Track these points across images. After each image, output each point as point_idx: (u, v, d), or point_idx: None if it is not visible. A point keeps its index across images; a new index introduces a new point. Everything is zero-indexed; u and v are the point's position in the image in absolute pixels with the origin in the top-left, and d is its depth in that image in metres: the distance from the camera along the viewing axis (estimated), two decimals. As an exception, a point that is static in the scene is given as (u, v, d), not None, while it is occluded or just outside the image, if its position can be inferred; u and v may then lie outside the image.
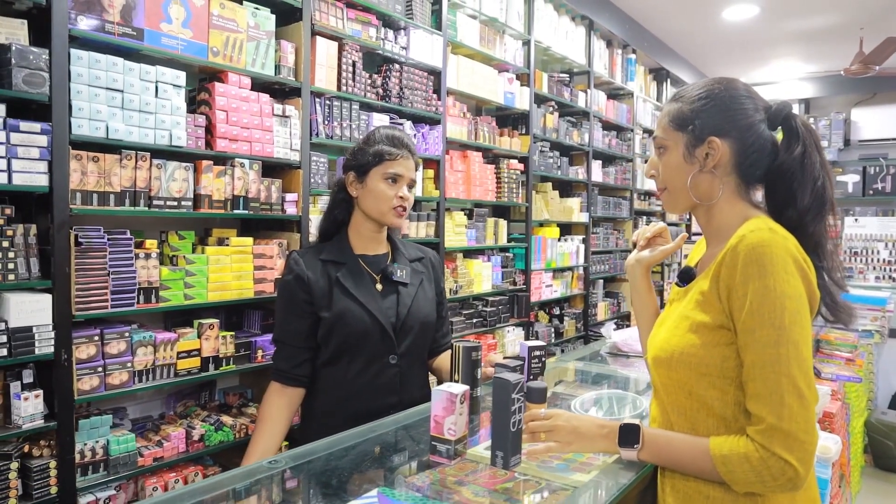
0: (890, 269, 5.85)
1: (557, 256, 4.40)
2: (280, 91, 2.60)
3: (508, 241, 4.01)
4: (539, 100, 4.25)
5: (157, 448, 2.14)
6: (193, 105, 2.33)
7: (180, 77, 2.15)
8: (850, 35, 5.47)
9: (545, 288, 4.26)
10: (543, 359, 1.78)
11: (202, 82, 2.36)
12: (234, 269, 2.35)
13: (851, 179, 7.06)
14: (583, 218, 4.71)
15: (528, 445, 1.30)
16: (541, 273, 4.22)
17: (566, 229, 4.78)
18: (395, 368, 1.77)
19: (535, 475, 1.28)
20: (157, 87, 2.09)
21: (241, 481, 1.25)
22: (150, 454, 2.11)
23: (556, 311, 4.57)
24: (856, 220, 6.29)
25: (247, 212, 2.38)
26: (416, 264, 1.90)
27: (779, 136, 1.26)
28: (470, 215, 3.65)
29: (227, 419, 2.39)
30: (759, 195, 1.30)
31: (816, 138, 1.24)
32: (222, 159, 2.32)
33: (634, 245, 1.59)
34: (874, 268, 5.94)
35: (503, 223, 3.90)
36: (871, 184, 6.95)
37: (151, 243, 2.13)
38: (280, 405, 1.77)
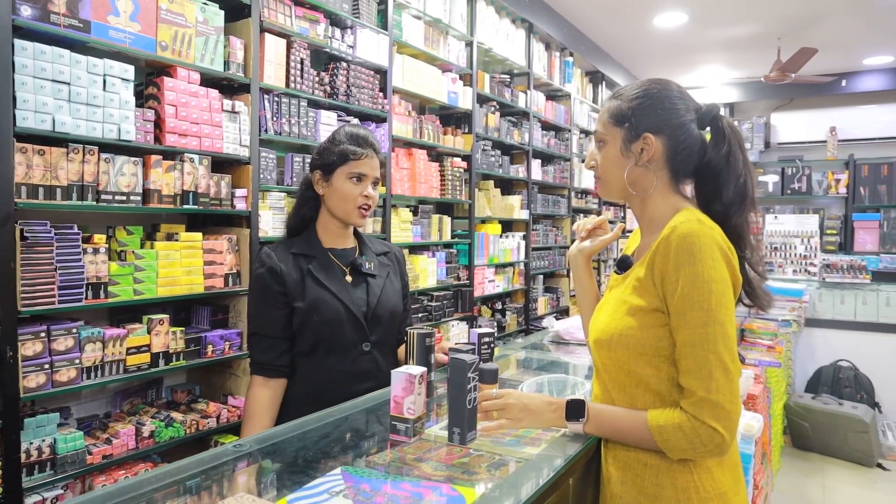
0: (806, 263, 6.25)
1: (499, 252, 4.52)
2: (229, 87, 2.61)
3: (452, 237, 4.10)
4: (481, 100, 4.36)
5: (106, 446, 2.12)
6: (141, 99, 2.32)
7: (129, 71, 2.14)
8: (769, 44, 5.81)
9: (488, 283, 4.38)
10: (492, 345, 1.87)
11: (150, 76, 2.35)
12: (184, 265, 2.35)
13: (771, 179, 7.50)
14: (523, 215, 4.86)
15: (483, 423, 1.39)
16: (484, 268, 4.33)
17: (507, 226, 4.91)
18: (370, 355, 1.83)
19: (489, 450, 1.37)
20: (105, 81, 2.07)
21: (207, 464, 1.28)
22: (98, 452, 2.09)
23: (499, 305, 4.70)
24: (775, 217, 6.68)
25: (197, 207, 2.38)
26: (382, 258, 1.97)
27: (707, 135, 1.39)
28: (415, 212, 3.72)
29: (177, 415, 2.39)
30: (689, 189, 1.42)
31: (740, 139, 1.38)
32: (172, 154, 2.32)
33: (575, 238, 1.70)
34: (792, 262, 6.33)
35: (447, 220, 3.99)
36: (789, 184, 7.39)
37: (100, 238, 2.11)
38: (266, 398, 1.79)
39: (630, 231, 1.61)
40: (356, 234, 1.98)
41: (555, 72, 5.42)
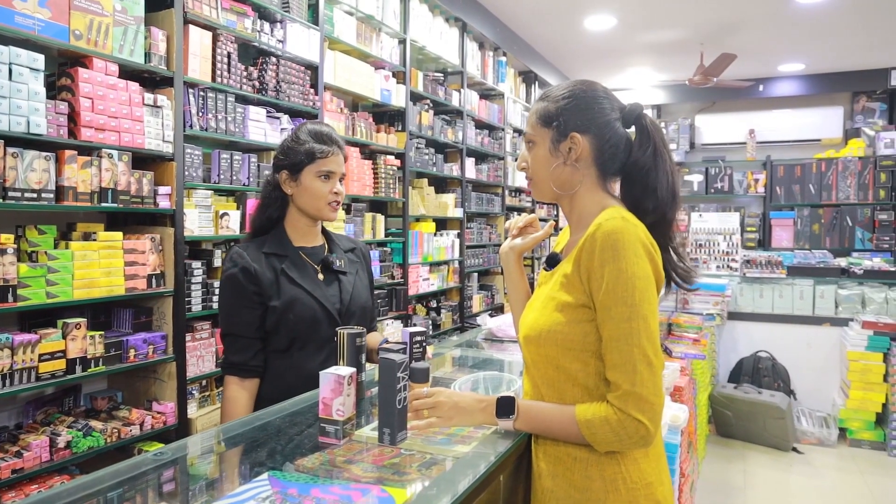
0: (728, 259, 6.52)
1: (434, 251, 4.53)
2: (151, 80, 2.50)
3: (386, 235, 4.07)
4: (415, 98, 4.35)
5: (17, 459, 2.00)
6: (54, 91, 2.19)
7: (38, 60, 2.02)
8: (693, 49, 6.03)
9: (422, 281, 4.37)
10: (425, 344, 1.86)
11: (63, 67, 2.22)
12: (103, 266, 2.24)
13: (696, 179, 7.79)
14: (457, 213, 4.87)
15: (414, 422, 1.38)
16: (418, 267, 4.32)
17: (442, 224, 4.91)
18: None
19: (420, 450, 1.36)
20: (10, 70, 1.95)
21: (125, 475, 1.22)
22: (7, 466, 1.96)
23: (434, 303, 4.70)
24: (700, 215, 6.94)
25: (116, 205, 2.27)
26: (350, 254, 1.98)
27: (633, 134, 1.42)
28: (348, 210, 3.67)
29: (96, 424, 2.28)
30: (616, 187, 1.46)
31: (663, 137, 1.42)
32: (88, 149, 2.21)
33: (508, 235, 1.71)
34: (715, 258, 6.59)
35: (381, 218, 3.96)
36: (713, 183, 7.70)
37: (7, 238, 1.98)
38: (244, 400, 1.77)
39: (562, 228, 1.64)
40: (324, 231, 1.98)
41: (488, 71, 5.46)
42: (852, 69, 6.98)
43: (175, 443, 1.40)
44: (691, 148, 7.96)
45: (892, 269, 5.53)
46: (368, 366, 1.77)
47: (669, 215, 1.35)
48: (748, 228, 7.45)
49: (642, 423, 1.21)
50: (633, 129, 1.41)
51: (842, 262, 5.94)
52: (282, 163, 1.86)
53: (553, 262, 1.47)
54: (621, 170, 1.41)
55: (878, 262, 5.89)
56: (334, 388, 1.33)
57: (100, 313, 2.48)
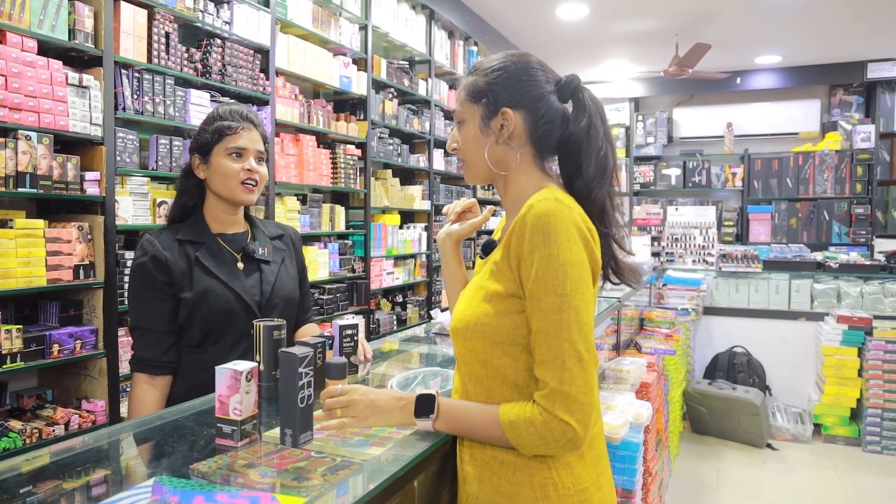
0: (704, 254, 6.46)
1: (399, 244, 4.40)
2: (78, 59, 2.35)
3: (347, 227, 3.94)
4: (378, 86, 4.22)
5: (-79, 461, 1.85)
6: (-35, 68, 2.05)
7: (-58, 33, 1.88)
8: (668, 40, 5.95)
9: (386, 275, 4.25)
10: (355, 338, 1.75)
11: (-24, 43, 2.07)
12: (21, 255, 2.10)
13: (674, 173, 7.72)
14: (425, 206, 4.75)
15: (325, 422, 1.26)
16: (381, 260, 4.19)
17: (408, 217, 4.79)
18: None
19: (331, 452, 1.24)
20: None
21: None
22: None
23: (399, 298, 4.57)
24: (676, 209, 6.89)
25: (35, 190, 2.13)
26: (277, 242, 1.87)
27: (570, 109, 1.31)
28: (304, 201, 3.54)
29: (15, 424, 2.14)
30: (555, 166, 1.34)
31: (602, 111, 1.30)
32: (2, 130, 2.06)
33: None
34: (691, 252, 6.53)
35: (340, 210, 3.83)
36: (690, 177, 7.64)
37: None
38: (154, 398, 1.66)
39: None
40: (248, 217, 1.86)
41: (458, 60, 5.34)
42: (829, 62, 6.93)
43: (59, 444, 1.27)
44: (669, 142, 7.89)
45: (868, 263, 5.49)
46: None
47: (596, 194, 1.24)
48: (726, 223, 7.39)
49: (570, 425, 1.10)
50: (570, 103, 1.30)
51: (818, 256, 5.89)
52: (193, 146, 1.76)
53: (488, 249, 1.35)
54: (557, 147, 1.30)
55: (854, 256, 5.84)
56: (230, 384, 1.21)
57: (23, 306, 2.33)
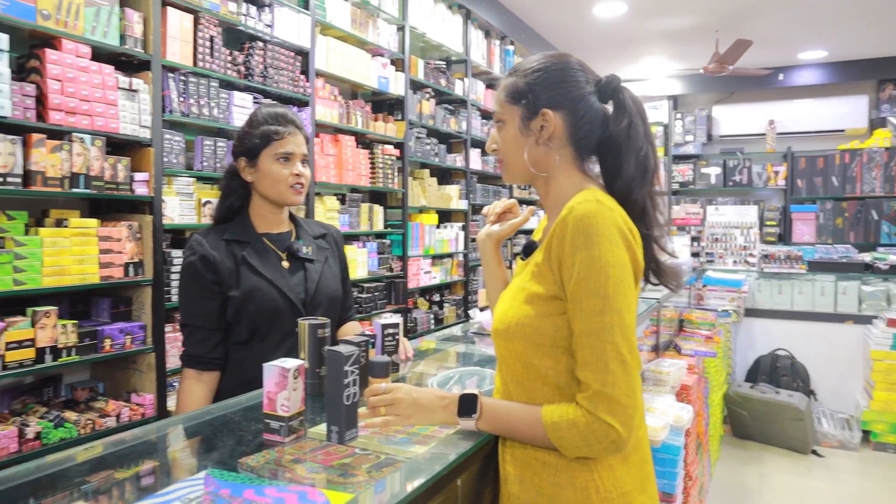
0: (745, 254, 6.32)
1: (436, 243, 4.42)
2: (128, 64, 2.42)
3: (385, 227, 3.98)
4: (415, 86, 4.24)
5: (-18, 450, 1.94)
6: (23, 73, 2.12)
7: (2, 40, 1.95)
8: (708, 36, 5.85)
9: (423, 274, 4.27)
10: (397, 337, 1.76)
11: (33, 48, 2.15)
12: (75, 253, 2.17)
13: (714, 172, 7.58)
14: (462, 205, 4.76)
15: (369, 420, 1.27)
16: (419, 259, 4.22)
17: (445, 216, 4.81)
18: None
19: (375, 449, 1.25)
20: (-28, 50, 1.88)
21: (46, 470, 1.14)
22: (-29, 457, 1.90)
23: (437, 297, 4.59)
24: (716, 208, 6.75)
25: (88, 191, 2.20)
26: (320, 241, 1.89)
27: (610, 109, 1.30)
28: (343, 200, 3.58)
29: (70, 415, 2.21)
30: (596, 167, 1.34)
31: (642, 111, 1.29)
32: (58, 133, 2.13)
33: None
34: (732, 253, 6.40)
35: (379, 209, 3.86)
36: (731, 176, 7.49)
37: (-31, 223, 1.92)
38: (201, 393, 1.70)
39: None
40: (291, 217, 1.90)
41: (494, 60, 5.33)
42: (877, 56, 6.71)
43: (111, 437, 1.32)
44: (708, 140, 7.75)
45: (919, 264, 5.30)
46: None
47: (637, 195, 1.23)
48: (768, 222, 7.22)
49: (613, 427, 1.10)
50: (610, 103, 1.30)
51: (866, 257, 5.71)
52: (238, 149, 1.78)
53: (529, 250, 1.35)
54: (597, 148, 1.30)
55: (904, 256, 5.65)
56: (278, 381, 1.23)
57: (77, 302, 2.42)
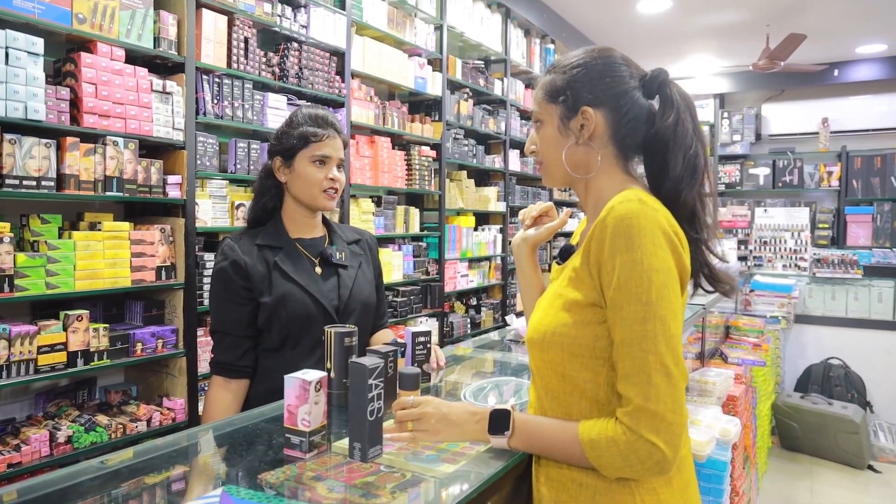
0: (796, 258, 6.07)
1: (473, 246, 4.34)
2: (163, 66, 2.42)
3: (421, 229, 3.92)
4: (453, 86, 4.18)
5: (14, 453, 1.94)
6: (60, 77, 2.13)
7: (37, 44, 1.95)
8: (758, 31, 5.63)
9: (460, 278, 4.20)
10: (428, 345, 1.70)
11: (69, 52, 2.15)
12: (108, 256, 2.17)
13: (762, 172, 7.31)
14: (500, 207, 4.67)
15: (395, 434, 1.21)
16: (456, 263, 4.15)
17: (483, 219, 4.73)
18: None
19: (401, 467, 1.19)
20: (7, 54, 1.88)
21: (63, 483, 1.10)
22: (3, 460, 1.90)
23: (474, 301, 4.51)
24: (765, 210, 6.50)
25: (122, 194, 2.19)
26: (354, 246, 1.86)
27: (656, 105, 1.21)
28: (378, 203, 3.53)
29: (102, 419, 2.21)
30: (641, 167, 1.25)
31: (691, 106, 1.20)
32: (92, 137, 2.13)
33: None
34: (781, 256, 6.16)
35: (415, 211, 3.81)
36: (780, 176, 7.21)
37: (3, 226, 1.92)
38: (227, 402, 1.67)
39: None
40: (325, 222, 1.87)
41: (535, 59, 5.23)
42: (941, 50, 6.37)
43: (132, 448, 1.29)
44: (757, 139, 7.47)
45: None
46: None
47: (686, 196, 1.13)
48: (820, 225, 6.92)
49: (657, 446, 1.01)
50: (657, 100, 1.21)
51: (926, 261, 5.42)
52: (275, 148, 1.76)
53: (566, 254, 1.27)
54: (643, 146, 1.21)
55: (968, 262, 5.34)
56: (299, 394, 1.18)
57: (111, 306, 2.42)
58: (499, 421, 1.18)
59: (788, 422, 4.78)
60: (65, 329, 2.07)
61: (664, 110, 1.18)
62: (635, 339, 1.03)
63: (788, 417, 4.77)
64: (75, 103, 2.08)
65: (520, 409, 1.20)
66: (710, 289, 1.22)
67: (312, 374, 1.19)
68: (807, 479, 4.34)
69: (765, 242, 6.24)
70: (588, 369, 1.12)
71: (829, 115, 6.98)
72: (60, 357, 2.05)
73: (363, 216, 3.31)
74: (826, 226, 6.93)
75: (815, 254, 5.80)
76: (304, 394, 1.18)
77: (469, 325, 4.30)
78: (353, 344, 1.50)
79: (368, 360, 1.14)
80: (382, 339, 1.94)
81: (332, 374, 1.50)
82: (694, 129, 1.18)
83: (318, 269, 1.75)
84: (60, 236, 2.09)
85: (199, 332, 2.48)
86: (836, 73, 6.77)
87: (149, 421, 2.30)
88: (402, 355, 1.68)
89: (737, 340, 4.43)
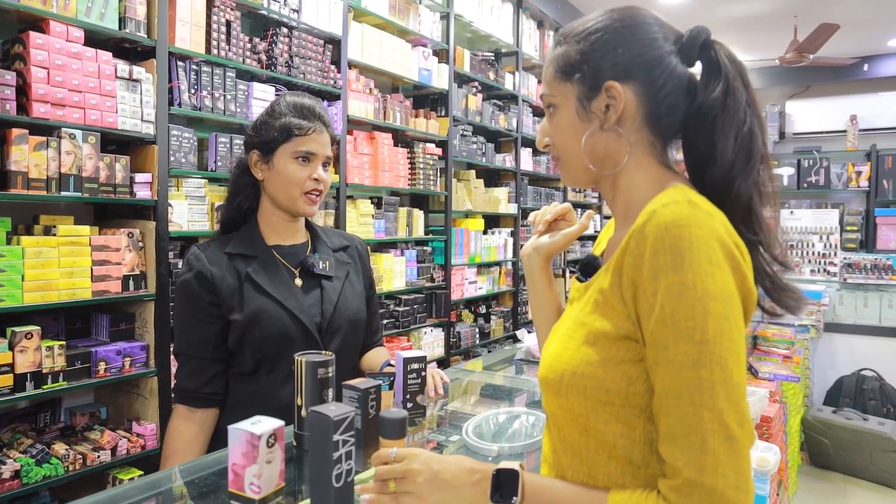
0: (825, 263, 5.75)
1: (482, 250, 4.07)
2: (132, 51, 2.17)
3: (426, 233, 3.66)
4: (461, 80, 3.92)
5: (-50, 491, 1.69)
6: (8, 61, 1.88)
7: (-23, 21, 1.70)
8: (785, 24, 5.37)
9: (468, 285, 3.92)
10: (423, 373, 1.43)
11: (21, 33, 1.90)
12: (64, 265, 1.92)
13: (786, 172, 7.00)
14: (511, 209, 4.40)
15: (372, 496, 0.94)
16: (463, 268, 3.88)
17: (493, 221, 4.47)
18: None
19: (379, 542, 0.92)
20: (-62, 32, 1.64)
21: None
22: (-64, 500, 1.65)
23: (483, 309, 4.24)
24: (791, 212, 6.19)
25: (79, 194, 1.94)
26: (341, 254, 1.64)
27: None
28: (378, 204, 3.27)
29: (59, 448, 1.95)
30: (678, 154, 0.96)
31: (743, 72, 0.91)
32: (44, 128, 1.88)
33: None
34: (809, 261, 5.84)
35: (419, 213, 3.55)
36: (806, 177, 6.90)
37: (-67, 232, 1.67)
38: (189, 434, 1.44)
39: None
40: (308, 226, 1.63)
41: (548, 52, 4.95)
42: (979, 43, 6.04)
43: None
44: (781, 138, 7.17)
45: None
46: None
47: (739, 188, 0.85)
48: (848, 227, 6.60)
49: None
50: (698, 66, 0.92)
51: (966, 266, 5.08)
52: (252, 140, 1.51)
53: (589, 269, 0.98)
54: (683, 127, 0.93)
55: None
56: (246, 451, 0.91)
57: (75, 320, 2.17)
58: (505, 484, 0.90)
59: (819, 438, 4.49)
60: (11, 348, 1.81)
61: (709, 79, 0.89)
62: (685, 389, 0.75)
63: (819, 433, 4.48)
64: (24, 90, 1.83)
65: (535, 459, 0.92)
66: (770, 308, 0.93)
67: (264, 426, 0.92)
68: (839, 498, 4.06)
69: (791, 246, 5.91)
70: (619, 422, 0.83)
71: (858, 112, 6.66)
72: (6, 381, 1.79)
73: (361, 219, 3.05)
74: (854, 228, 6.61)
75: (845, 258, 5.48)
76: (252, 451, 0.90)
77: (478, 336, 4.03)
78: (329, 376, 1.23)
79: (333, 410, 0.86)
80: (375, 358, 1.68)
81: (304, 412, 1.23)
82: (749, 100, 0.89)
83: (299, 281, 1.53)
84: (9, 242, 1.84)
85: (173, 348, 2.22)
86: (865, 67, 6.46)
87: (114, 449, 2.05)
88: (391, 387, 1.41)
89: (766, 352, 4.13)
